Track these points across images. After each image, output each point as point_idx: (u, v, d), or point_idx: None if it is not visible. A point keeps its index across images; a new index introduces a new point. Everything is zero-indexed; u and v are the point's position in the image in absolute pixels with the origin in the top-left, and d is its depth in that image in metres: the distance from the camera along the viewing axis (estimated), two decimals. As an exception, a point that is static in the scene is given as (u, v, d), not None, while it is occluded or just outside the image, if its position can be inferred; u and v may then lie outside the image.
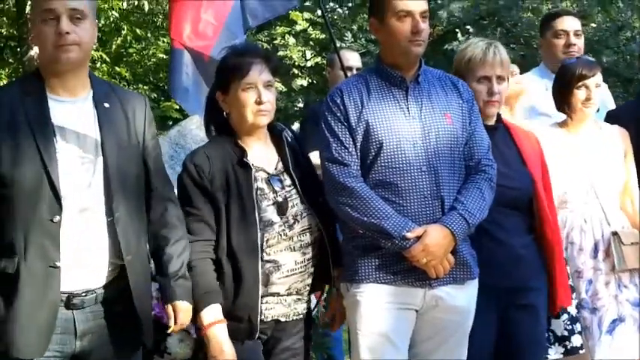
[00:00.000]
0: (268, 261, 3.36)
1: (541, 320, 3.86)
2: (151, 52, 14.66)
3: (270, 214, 3.40)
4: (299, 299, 3.51)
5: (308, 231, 3.48)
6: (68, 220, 2.97)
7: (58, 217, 2.95)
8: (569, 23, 5.03)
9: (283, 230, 3.41)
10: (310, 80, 14.37)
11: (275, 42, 15.05)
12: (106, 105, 3.14)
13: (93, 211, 3.05)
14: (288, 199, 3.46)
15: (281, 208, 3.44)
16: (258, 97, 3.38)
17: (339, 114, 3.50)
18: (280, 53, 15.12)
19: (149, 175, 3.24)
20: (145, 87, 14.85)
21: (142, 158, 3.21)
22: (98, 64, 14.45)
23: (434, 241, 3.34)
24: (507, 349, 3.79)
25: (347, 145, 3.46)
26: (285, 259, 3.41)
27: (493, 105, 3.80)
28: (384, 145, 3.43)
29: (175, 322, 3.31)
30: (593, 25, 14.61)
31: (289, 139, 3.60)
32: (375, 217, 3.33)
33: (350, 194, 3.38)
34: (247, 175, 3.40)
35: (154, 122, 3.41)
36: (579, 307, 4.11)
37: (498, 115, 3.91)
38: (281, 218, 3.42)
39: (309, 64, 14.53)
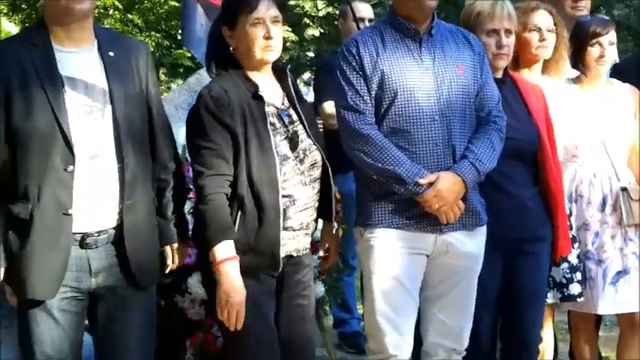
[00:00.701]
0: (285, 195, 3.34)
1: (543, 269, 3.91)
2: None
3: (284, 148, 3.37)
4: (306, 234, 3.52)
5: (315, 166, 3.46)
6: (80, 167, 3.02)
7: (71, 167, 3.01)
8: None
9: (296, 164, 3.39)
10: (322, 30, 14.26)
11: (286, -9, 15.03)
12: (111, 54, 3.16)
13: (103, 157, 3.09)
14: (298, 134, 3.45)
15: (293, 143, 3.42)
16: (267, 33, 3.32)
17: (354, 63, 3.51)
18: (292, 2, 15.07)
19: (152, 121, 3.26)
20: (157, 34, 14.66)
21: (146, 105, 3.24)
22: (110, 11, 14.42)
23: (446, 187, 3.38)
24: (510, 295, 3.84)
25: (362, 94, 3.47)
26: (300, 194, 3.40)
27: (502, 58, 3.80)
28: (398, 94, 3.45)
29: (175, 260, 3.37)
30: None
31: (291, 76, 3.57)
32: (389, 163, 3.36)
33: (365, 141, 3.41)
34: (262, 109, 3.36)
35: (155, 69, 3.43)
36: (585, 258, 4.14)
37: (505, 69, 3.89)
38: (293, 152, 3.40)
39: (320, 13, 14.45)
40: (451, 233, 3.50)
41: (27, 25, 12.32)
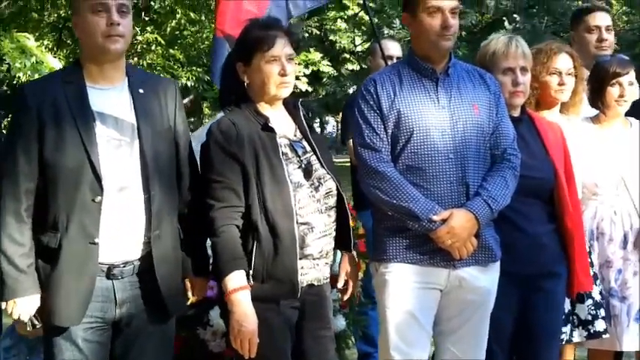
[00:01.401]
0: (302, 223, 3.35)
1: (558, 306, 3.91)
2: (204, 35, 14.60)
3: (298, 177, 3.39)
4: (326, 263, 3.51)
5: (330, 194, 3.48)
6: (108, 199, 3.09)
7: (99, 198, 3.08)
8: (602, 19, 4.98)
9: (311, 192, 3.41)
10: (360, 65, 14.30)
11: (326, 27, 15.05)
12: (141, 91, 3.25)
13: (131, 189, 3.16)
14: (311, 164, 3.47)
15: (307, 171, 3.44)
16: (282, 70, 3.36)
17: (372, 102, 3.56)
18: (331, 38, 15.19)
19: (179, 157, 3.32)
20: (199, 69, 14.80)
21: (174, 141, 3.30)
22: (153, 47, 14.56)
23: (458, 224, 3.40)
24: (525, 331, 3.83)
25: (378, 132, 3.51)
26: (316, 221, 3.40)
27: (518, 96, 3.82)
28: (414, 132, 3.48)
29: (196, 292, 3.45)
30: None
31: (302, 109, 3.60)
32: (404, 200, 3.39)
33: (381, 178, 3.44)
34: (273, 140, 3.39)
35: (184, 107, 3.50)
36: (608, 295, 4.14)
37: (522, 107, 3.93)
38: (308, 180, 3.42)
39: (358, 49, 14.51)
40: (464, 268, 3.51)
41: (71, 60, 12.55)
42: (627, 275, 4.17)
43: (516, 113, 3.85)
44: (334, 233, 3.52)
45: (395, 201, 3.43)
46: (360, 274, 4.08)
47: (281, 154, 3.39)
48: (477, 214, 3.46)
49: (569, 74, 4.17)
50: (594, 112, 4.33)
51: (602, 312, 4.04)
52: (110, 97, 3.21)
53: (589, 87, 4.33)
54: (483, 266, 3.57)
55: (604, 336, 4.05)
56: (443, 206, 3.47)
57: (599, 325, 4.01)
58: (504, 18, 15.89)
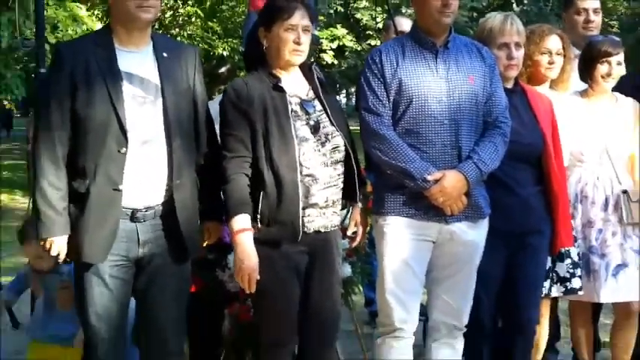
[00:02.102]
0: (307, 175, 3.37)
1: (541, 261, 3.94)
2: (240, 9, 14.55)
3: (304, 132, 3.41)
4: (334, 212, 3.52)
5: (337, 149, 3.48)
6: (133, 150, 3.14)
7: (124, 149, 3.14)
8: (589, 2, 4.93)
9: (317, 146, 3.42)
10: (381, 41, 14.26)
11: (351, 4, 15.02)
12: (165, 55, 3.30)
13: (154, 142, 3.21)
14: (320, 122, 3.48)
15: (315, 128, 3.45)
16: (297, 38, 3.39)
17: (376, 71, 3.58)
18: (356, 16, 15.17)
19: (197, 115, 3.37)
20: (235, 41, 14.78)
21: (192, 100, 3.34)
22: (193, 19, 14.57)
23: (450, 184, 3.43)
24: (510, 283, 3.86)
25: (381, 98, 3.54)
26: (321, 173, 3.41)
27: (512, 68, 3.83)
28: (414, 99, 3.51)
29: (210, 236, 3.53)
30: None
31: (319, 73, 3.60)
32: (402, 161, 3.43)
33: (381, 140, 3.48)
34: (283, 99, 3.40)
35: (201, 71, 3.49)
36: (589, 252, 4.16)
37: (516, 80, 3.93)
38: (314, 136, 3.43)
39: (379, 25, 14.44)
40: (455, 223, 3.55)
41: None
42: (607, 235, 4.18)
43: (510, 85, 3.86)
44: (341, 185, 3.53)
45: (393, 161, 3.46)
46: (367, 228, 4.07)
47: (290, 111, 3.40)
48: (467, 175, 3.48)
49: (558, 54, 4.20)
50: (584, 86, 4.32)
51: (578, 271, 4.04)
52: (137, 59, 3.25)
53: (580, 63, 4.33)
54: (473, 222, 3.59)
55: (579, 292, 4.07)
56: (437, 167, 3.48)
57: (576, 283, 4.03)
58: (512, 0, 15.76)
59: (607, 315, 4.62)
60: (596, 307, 4.52)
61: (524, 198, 3.79)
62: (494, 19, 3.96)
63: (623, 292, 4.17)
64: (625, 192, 4.20)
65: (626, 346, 4.34)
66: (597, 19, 4.95)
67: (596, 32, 4.81)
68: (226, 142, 3.40)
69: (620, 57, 4.25)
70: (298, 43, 3.42)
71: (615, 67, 4.21)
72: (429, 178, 3.44)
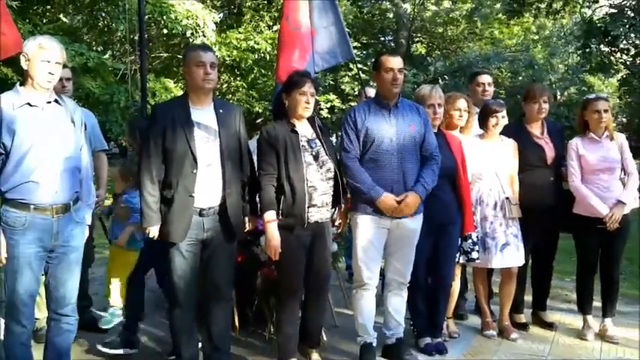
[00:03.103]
0: (310, 186, 3.37)
1: (455, 240, 3.91)
2: (269, 82, 14.46)
3: (309, 159, 3.40)
4: (327, 210, 3.50)
5: (329, 171, 3.46)
6: (200, 171, 3.12)
7: (195, 170, 3.11)
8: (485, 78, 4.89)
9: (317, 168, 3.41)
10: (356, 102, 14.29)
11: (337, 79, 15.12)
12: (221, 111, 3.27)
13: (213, 166, 3.18)
14: (319, 153, 3.45)
15: (316, 157, 3.42)
16: (307, 100, 3.41)
17: (351, 123, 3.56)
18: (341, 87, 15.21)
19: (241, 149, 3.32)
20: (266, 102, 14.76)
21: (238, 140, 3.31)
22: (240, 89, 14.60)
23: (412, 202, 3.47)
24: (436, 255, 3.85)
25: (352, 141, 3.53)
26: (320, 186, 3.41)
27: (435, 120, 3.82)
28: (375, 140, 3.49)
29: (250, 225, 3.47)
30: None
31: (319, 122, 3.58)
32: (357, 181, 3.47)
33: (347, 168, 3.50)
34: (296, 138, 3.41)
35: (245, 122, 3.46)
36: (484, 236, 4.08)
37: (438, 127, 3.90)
38: (316, 162, 3.41)
39: (356, 92, 14.51)
40: (401, 218, 3.52)
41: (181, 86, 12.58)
42: (496, 225, 4.09)
43: (435, 130, 3.81)
44: (331, 193, 3.49)
45: (352, 180, 3.50)
46: (347, 220, 3.99)
47: (301, 146, 3.40)
48: (420, 194, 3.50)
49: (465, 111, 4.15)
50: (481, 132, 4.26)
51: (476, 247, 3.97)
52: (203, 113, 3.23)
53: (479, 116, 4.26)
54: (412, 216, 3.56)
55: (476, 261, 4.01)
56: (389, 183, 3.48)
57: (474, 255, 3.96)
58: (439, 78, 15.77)
59: (497, 275, 4.54)
60: (490, 271, 4.45)
61: (445, 201, 3.76)
62: (425, 88, 3.94)
63: (507, 261, 4.11)
64: (507, 198, 4.11)
65: (508, 296, 4.26)
66: (491, 89, 4.87)
67: (490, 97, 4.74)
68: (261, 164, 3.40)
69: (504, 113, 4.17)
70: (308, 103, 3.42)
71: (501, 119, 4.14)
72: (389, 197, 3.45)
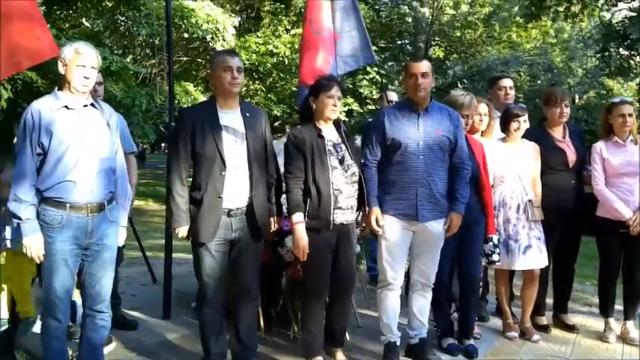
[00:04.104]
0: (336, 189, 3.39)
1: (479, 241, 3.94)
2: (287, 86, 14.65)
3: (335, 163, 3.43)
4: (352, 212, 3.52)
5: (354, 174, 3.49)
6: (229, 173, 3.20)
7: (224, 172, 3.18)
8: (506, 82, 4.89)
9: (342, 172, 3.44)
10: (375, 107, 14.35)
11: (356, 83, 15.20)
12: (247, 114, 3.34)
13: (241, 169, 3.25)
14: (345, 157, 3.48)
15: (341, 161, 3.46)
16: (334, 103, 3.45)
17: (378, 126, 3.59)
18: (360, 90, 15.26)
19: (267, 152, 3.39)
20: (284, 106, 14.89)
21: (264, 142, 3.39)
22: (259, 92, 14.72)
23: (456, 223, 3.58)
24: (461, 255, 3.90)
25: (373, 146, 3.59)
26: (345, 189, 3.43)
27: (465, 129, 3.84)
28: (402, 143, 3.51)
29: (276, 225, 3.51)
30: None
31: (344, 127, 3.63)
32: (367, 188, 3.53)
33: (363, 173, 3.54)
34: (322, 142, 3.44)
35: (270, 124, 3.53)
36: (507, 238, 4.10)
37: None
38: (341, 166, 3.44)
39: (375, 96, 14.59)
40: (426, 222, 3.55)
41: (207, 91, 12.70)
42: (519, 228, 4.11)
43: None
44: (356, 196, 3.52)
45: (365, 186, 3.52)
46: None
47: (327, 150, 3.43)
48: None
49: (485, 115, 4.17)
50: (502, 135, 4.29)
51: (497, 250, 4.00)
52: (231, 117, 3.29)
53: (500, 120, 4.28)
54: (438, 220, 3.59)
55: (497, 263, 4.03)
56: (414, 185, 3.50)
57: (495, 257, 3.99)
58: (457, 82, 15.76)
59: (518, 278, 4.58)
60: (511, 273, 4.49)
61: (469, 203, 3.74)
62: (465, 97, 3.95)
63: (529, 263, 4.13)
64: (530, 201, 4.14)
65: (530, 298, 4.29)
66: (512, 93, 4.87)
67: (511, 101, 4.77)
68: (288, 167, 3.44)
69: (526, 117, 4.20)
70: (335, 105, 3.48)
71: (522, 123, 4.17)
72: (379, 221, 3.54)
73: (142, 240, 5.76)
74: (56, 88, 3.01)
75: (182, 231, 3.26)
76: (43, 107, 2.88)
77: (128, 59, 12.31)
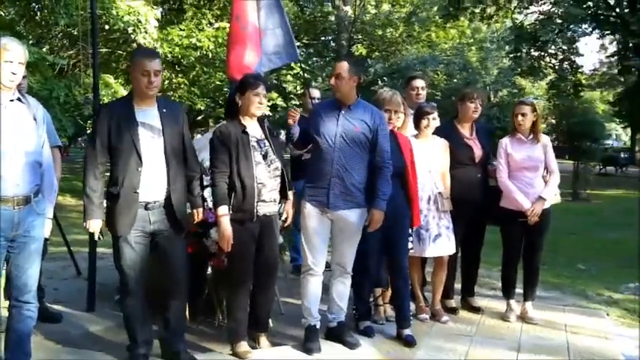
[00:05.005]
0: (259, 183, 3.53)
1: (406, 234, 4.10)
2: (212, 80, 14.57)
3: (259, 158, 3.55)
4: (274, 204, 3.67)
5: (277, 169, 3.63)
6: (145, 168, 3.30)
7: (140, 168, 3.28)
8: (419, 83, 5.10)
9: (266, 167, 3.57)
10: (299, 102, 14.52)
11: (281, 78, 15.33)
12: (164, 110, 3.42)
13: (158, 163, 3.34)
14: (268, 153, 3.61)
15: (265, 156, 3.59)
16: (260, 100, 3.59)
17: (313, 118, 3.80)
18: (284, 85, 15.43)
19: (185, 147, 3.47)
20: (208, 100, 14.78)
21: (182, 138, 3.46)
22: (182, 86, 14.54)
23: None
24: (389, 243, 4.02)
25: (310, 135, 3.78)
26: (268, 182, 3.58)
27: (390, 125, 3.99)
28: (320, 136, 3.71)
29: (197, 217, 3.57)
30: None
31: (267, 123, 3.74)
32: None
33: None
34: (247, 138, 3.56)
35: (188, 120, 3.59)
36: (419, 228, 4.27)
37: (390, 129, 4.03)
38: (264, 161, 3.57)
39: (299, 92, 14.77)
40: (340, 211, 3.71)
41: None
42: (429, 218, 4.33)
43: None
44: (278, 189, 3.68)
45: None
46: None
47: (251, 146, 3.56)
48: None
49: (401, 112, 4.24)
50: (415, 132, 4.50)
51: (411, 239, 4.17)
52: (147, 113, 3.37)
53: (413, 118, 4.49)
54: (352, 209, 3.72)
55: (411, 251, 4.22)
56: (328, 176, 3.66)
57: (409, 245, 4.17)
58: (378, 79, 16.18)
59: (429, 265, 4.82)
60: (423, 260, 4.70)
61: (395, 197, 3.88)
62: (386, 93, 4.13)
63: (439, 251, 4.38)
64: (440, 193, 4.38)
65: (440, 282, 4.55)
66: (423, 93, 5.05)
67: (423, 100, 4.99)
68: (214, 162, 3.56)
69: (435, 115, 4.41)
70: (260, 103, 3.62)
71: (432, 121, 4.40)
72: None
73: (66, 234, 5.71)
74: (-19, 83, 3.03)
75: (93, 224, 3.33)
76: None
77: (44, 49, 11.89)
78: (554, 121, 26.18)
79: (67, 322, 4.26)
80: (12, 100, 3.04)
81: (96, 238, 3.48)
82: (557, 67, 21.67)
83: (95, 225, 3.33)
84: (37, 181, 3.11)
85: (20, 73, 3.04)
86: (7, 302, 3.24)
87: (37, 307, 3.22)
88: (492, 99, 21.45)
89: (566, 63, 21.72)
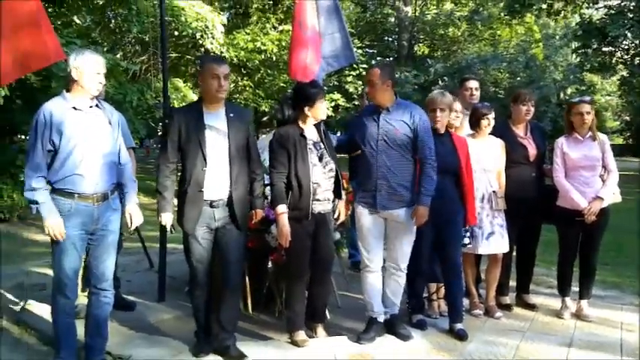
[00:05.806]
0: (315, 183, 3.65)
1: (459, 231, 4.15)
2: (276, 82, 14.89)
3: (315, 160, 3.68)
4: (328, 203, 3.78)
5: (331, 170, 3.75)
6: (210, 169, 3.43)
7: (205, 168, 3.41)
8: (473, 84, 5.07)
9: (321, 168, 3.69)
10: (359, 102, 14.62)
11: (342, 79, 15.41)
12: (231, 115, 3.54)
13: (222, 164, 3.46)
14: (323, 155, 3.73)
15: (320, 158, 3.71)
16: (326, 106, 3.74)
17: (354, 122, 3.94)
18: (345, 86, 15.54)
19: (249, 149, 3.59)
20: (272, 101, 15.10)
21: (247, 140, 3.57)
22: (247, 89, 14.91)
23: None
24: (442, 248, 4.12)
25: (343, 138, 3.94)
26: (323, 183, 3.70)
27: (436, 123, 4.05)
28: (363, 140, 3.84)
29: (256, 217, 3.68)
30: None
31: (323, 127, 3.83)
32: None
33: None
34: (305, 141, 3.69)
35: (252, 122, 3.74)
36: (472, 226, 4.29)
37: (447, 128, 4.14)
38: (320, 162, 3.70)
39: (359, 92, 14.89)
40: (393, 210, 3.82)
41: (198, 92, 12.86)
42: (483, 216, 4.36)
43: (442, 131, 4.09)
44: (332, 189, 3.81)
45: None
46: (349, 212, 4.34)
47: (308, 148, 3.70)
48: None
49: (461, 112, 4.39)
50: (470, 131, 4.54)
51: (467, 234, 4.24)
52: (215, 117, 3.49)
53: (469, 118, 4.53)
54: (403, 208, 3.81)
55: (468, 246, 4.29)
56: (374, 178, 3.77)
57: (465, 241, 4.24)
58: (438, 79, 16.02)
59: (484, 263, 4.84)
60: (478, 257, 4.72)
61: (449, 195, 4.00)
62: (434, 93, 4.17)
63: (492, 248, 4.40)
64: (494, 191, 4.40)
65: (493, 279, 4.58)
66: (477, 93, 5.05)
67: (476, 101, 4.95)
68: (273, 163, 3.72)
69: (492, 115, 4.44)
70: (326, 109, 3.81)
71: (490, 121, 4.43)
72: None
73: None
74: (64, 90, 3.33)
75: (164, 217, 3.51)
76: (55, 108, 3.21)
77: (118, 55, 12.51)
78: (628, 118, 25.16)
79: (139, 311, 4.55)
80: (91, 107, 3.33)
81: (168, 230, 3.63)
82: (628, 63, 20.82)
83: (167, 218, 3.50)
84: (114, 180, 3.39)
85: (103, 82, 3.35)
86: (86, 291, 3.55)
87: (114, 294, 3.50)
88: (562, 96, 20.85)
89: (638, 58, 20.84)
